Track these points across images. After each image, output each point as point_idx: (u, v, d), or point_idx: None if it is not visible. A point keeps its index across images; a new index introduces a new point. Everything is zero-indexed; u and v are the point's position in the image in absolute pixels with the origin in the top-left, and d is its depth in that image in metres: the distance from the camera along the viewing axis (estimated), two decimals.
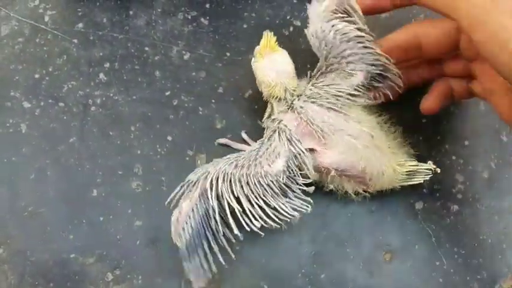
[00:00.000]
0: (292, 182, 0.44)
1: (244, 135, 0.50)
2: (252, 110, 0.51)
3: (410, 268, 0.48)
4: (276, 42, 0.46)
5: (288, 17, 0.55)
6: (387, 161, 0.45)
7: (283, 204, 0.43)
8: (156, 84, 0.52)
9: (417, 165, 0.47)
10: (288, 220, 0.43)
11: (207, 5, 0.55)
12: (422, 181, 0.47)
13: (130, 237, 0.48)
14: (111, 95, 0.52)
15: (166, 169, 0.50)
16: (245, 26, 0.55)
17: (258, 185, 0.43)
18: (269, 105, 0.47)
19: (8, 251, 0.48)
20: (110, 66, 0.53)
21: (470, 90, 0.46)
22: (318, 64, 0.45)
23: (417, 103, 0.49)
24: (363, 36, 0.44)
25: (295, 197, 0.44)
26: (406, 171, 0.46)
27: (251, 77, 0.48)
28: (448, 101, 0.47)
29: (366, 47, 0.44)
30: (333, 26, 0.44)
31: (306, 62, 0.49)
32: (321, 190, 0.46)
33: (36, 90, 0.52)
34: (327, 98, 0.45)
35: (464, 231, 0.49)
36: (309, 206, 0.44)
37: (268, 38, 0.46)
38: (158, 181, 0.49)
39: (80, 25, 0.54)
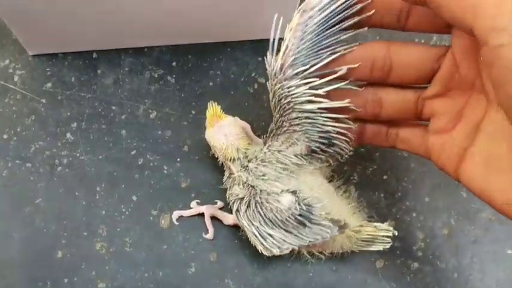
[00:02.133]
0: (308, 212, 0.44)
1: (193, 204, 0.52)
2: (217, 168, 0.52)
3: None
4: (221, 110, 0.48)
5: (252, 75, 0.56)
6: None
7: (305, 233, 0.44)
8: (122, 144, 0.53)
9: (375, 231, 0.47)
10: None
11: (174, 63, 0.56)
12: (381, 249, 0.47)
13: None
14: (78, 154, 0.53)
15: (130, 230, 0.51)
16: (211, 83, 0.56)
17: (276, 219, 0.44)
18: (226, 168, 0.48)
19: None
20: (77, 125, 0.54)
21: (391, 137, 0.45)
22: (271, 124, 0.46)
23: (379, 158, 0.50)
24: (318, 109, 0.43)
25: (315, 224, 0.44)
26: (363, 238, 0.46)
27: None
28: (354, 142, 0.45)
29: (313, 123, 0.43)
30: (289, 89, 0.42)
31: (270, 119, 0.49)
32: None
33: (4, 151, 0.53)
34: (278, 163, 0.45)
35: None
36: (329, 230, 0.44)
37: (214, 108, 0.48)
38: (122, 242, 0.50)
39: (49, 85, 0.55)
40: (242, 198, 0.45)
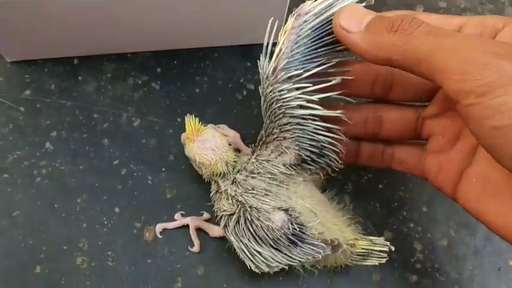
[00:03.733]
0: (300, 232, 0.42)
1: (177, 216, 0.49)
2: (203, 179, 0.49)
3: None
4: (200, 123, 0.45)
5: (241, 81, 0.54)
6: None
7: (296, 252, 0.42)
8: (104, 153, 0.51)
9: (370, 245, 0.44)
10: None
11: (158, 69, 0.54)
12: (377, 263, 0.45)
13: None
14: (58, 165, 0.50)
15: (112, 243, 0.48)
16: (197, 90, 0.53)
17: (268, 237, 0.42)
18: (213, 184, 0.46)
19: None
20: (56, 134, 0.51)
21: (387, 157, 0.45)
22: (261, 132, 0.44)
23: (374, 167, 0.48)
24: (309, 115, 0.41)
25: (306, 243, 0.42)
26: (358, 252, 0.44)
27: None
28: (348, 160, 0.45)
29: (304, 130, 0.42)
30: (280, 92, 0.41)
31: (259, 126, 0.47)
32: None
33: None
34: (267, 174, 0.43)
35: None
36: (321, 251, 0.42)
37: (192, 122, 0.44)
38: (104, 256, 0.48)
39: (27, 92, 0.53)
40: (231, 214, 0.43)
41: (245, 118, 0.52)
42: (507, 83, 0.28)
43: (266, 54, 0.41)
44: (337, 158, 0.43)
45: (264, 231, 0.41)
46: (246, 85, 0.54)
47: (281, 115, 0.41)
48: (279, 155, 0.43)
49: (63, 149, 0.51)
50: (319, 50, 0.40)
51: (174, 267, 0.48)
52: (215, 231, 0.47)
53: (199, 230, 0.48)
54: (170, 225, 0.49)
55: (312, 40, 0.40)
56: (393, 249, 0.45)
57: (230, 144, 0.46)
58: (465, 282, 0.48)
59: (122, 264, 0.47)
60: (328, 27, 0.39)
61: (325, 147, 0.42)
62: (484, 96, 0.29)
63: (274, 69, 0.40)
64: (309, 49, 0.40)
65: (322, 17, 0.39)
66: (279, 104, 0.41)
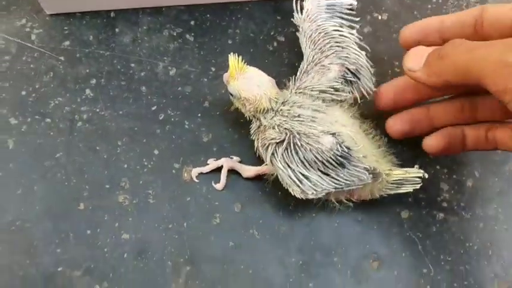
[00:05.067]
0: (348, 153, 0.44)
1: (210, 161, 0.51)
2: (238, 123, 0.51)
3: (398, 276, 0.48)
4: (243, 61, 0.47)
5: (271, 33, 0.56)
6: None
7: (342, 175, 0.44)
8: (142, 100, 0.53)
9: (404, 174, 0.46)
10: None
11: (192, 22, 0.56)
12: (411, 190, 0.47)
13: (117, 250, 0.48)
14: (98, 110, 0.52)
15: (153, 182, 0.50)
16: (230, 41, 0.56)
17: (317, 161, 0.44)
18: (255, 121, 0.48)
19: None
20: (96, 82, 0.53)
21: (491, 140, 0.46)
22: (301, 64, 0.47)
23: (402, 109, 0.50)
24: (346, 37, 0.48)
25: (353, 165, 0.44)
26: (393, 181, 0.46)
27: None
28: (458, 149, 0.47)
29: (342, 46, 0.47)
30: (319, 25, 0.47)
31: (290, 76, 0.49)
32: (307, 200, 0.46)
33: (23, 107, 0.52)
34: (312, 98, 0.46)
35: (450, 239, 0.49)
36: (366, 173, 0.44)
37: (235, 60, 0.46)
38: (145, 194, 0.49)
39: (67, 43, 0.55)
40: (278, 142, 0.45)
41: (277, 68, 0.54)
42: None
43: None
44: (370, 86, 0.48)
45: (313, 154, 0.43)
46: (276, 37, 0.56)
47: (320, 39, 0.46)
48: (322, 75, 0.46)
49: (103, 95, 0.53)
50: None
51: (212, 204, 0.50)
52: (248, 171, 0.49)
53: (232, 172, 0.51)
54: (205, 169, 0.51)
55: None
56: (426, 176, 0.46)
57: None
58: (489, 220, 0.50)
59: (162, 202, 0.49)
60: None
61: (361, 66, 0.47)
62: None
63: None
64: None
65: None
66: (318, 32, 0.46)
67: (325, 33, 0.46)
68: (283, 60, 0.55)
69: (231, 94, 0.47)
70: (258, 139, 0.47)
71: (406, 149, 0.52)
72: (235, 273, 0.47)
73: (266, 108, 0.46)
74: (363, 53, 0.48)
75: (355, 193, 0.46)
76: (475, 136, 0.47)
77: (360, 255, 0.48)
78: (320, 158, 0.43)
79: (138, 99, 0.53)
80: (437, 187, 0.51)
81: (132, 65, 0.54)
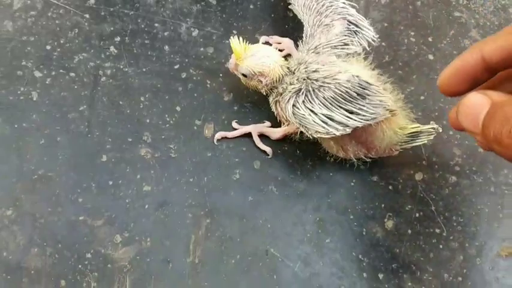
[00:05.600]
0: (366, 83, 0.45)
1: (235, 125, 0.52)
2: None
3: (411, 235, 0.49)
4: (245, 41, 0.48)
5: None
6: (387, 122, 0.46)
7: (365, 108, 0.44)
8: (165, 58, 0.54)
9: (419, 127, 0.48)
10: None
11: None
12: (426, 141, 0.48)
13: (139, 201, 0.49)
14: (121, 67, 0.53)
15: (175, 137, 0.51)
16: (251, 6, 0.57)
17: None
18: (271, 95, 0.50)
19: (16, 213, 0.48)
20: (120, 40, 0.54)
21: None
22: (304, 29, 0.50)
23: (416, 80, 0.51)
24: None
25: (374, 95, 0.44)
26: (409, 133, 0.48)
27: None
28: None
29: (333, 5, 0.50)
30: None
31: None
32: (324, 160, 0.47)
33: (48, 61, 0.53)
34: (325, 56, 0.48)
35: (462, 201, 0.50)
36: (388, 102, 0.45)
37: (237, 42, 0.48)
38: (167, 148, 0.51)
39: (92, 1, 0.56)
40: (299, 90, 0.46)
41: (297, 33, 0.55)
42: None
43: None
44: (372, 31, 0.50)
45: (332, 90, 0.44)
46: None
47: (314, 3, 0.50)
48: (327, 34, 0.49)
49: (127, 53, 0.54)
50: None
51: (232, 160, 0.51)
52: (276, 133, 0.51)
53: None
54: (230, 134, 0.52)
55: None
56: (440, 130, 0.49)
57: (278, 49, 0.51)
58: (501, 184, 0.51)
59: (184, 157, 0.51)
60: None
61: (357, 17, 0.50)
62: None
63: None
64: None
65: None
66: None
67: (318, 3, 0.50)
68: (303, 26, 0.56)
69: (244, 75, 0.49)
70: (278, 104, 0.49)
71: (421, 115, 0.53)
72: (254, 227, 0.49)
73: (281, 76, 0.48)
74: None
75: (373, 147, 0.47)
76: None
77: (374, 214, 0.50)
78: (339, 92, 0.44)
79: (161, 57, 0.54)
80: (450, 152, 0.52)
81: (156, 24, 0.55)
